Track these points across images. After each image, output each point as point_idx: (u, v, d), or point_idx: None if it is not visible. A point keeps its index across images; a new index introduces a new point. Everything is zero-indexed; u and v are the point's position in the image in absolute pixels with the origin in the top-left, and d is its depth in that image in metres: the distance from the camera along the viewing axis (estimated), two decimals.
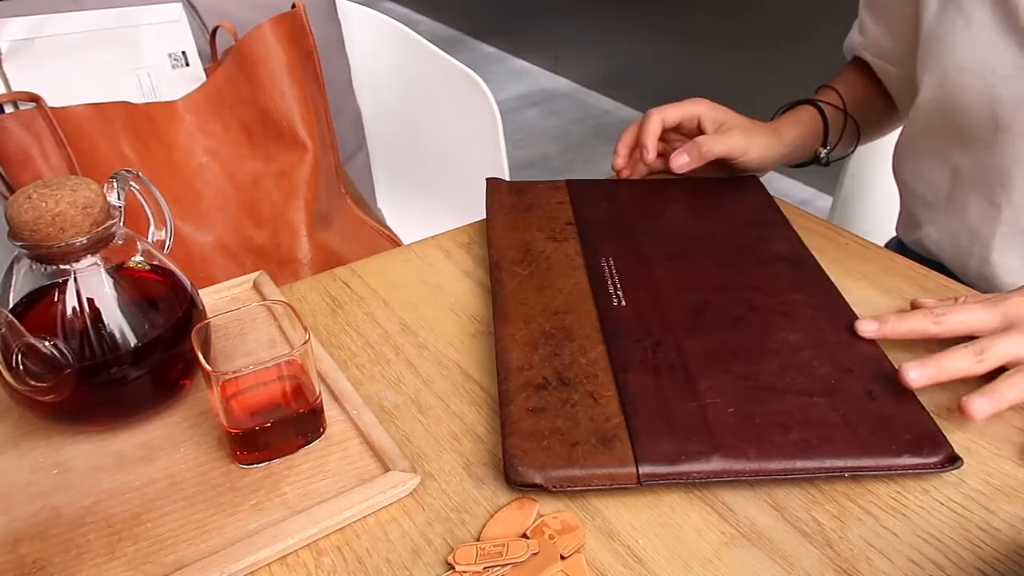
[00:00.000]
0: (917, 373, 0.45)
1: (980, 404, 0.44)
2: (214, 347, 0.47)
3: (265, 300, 0.56)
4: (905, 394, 0.46)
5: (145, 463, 0.44)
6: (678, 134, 0.72)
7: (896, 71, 0.75)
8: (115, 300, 0.44)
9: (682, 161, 0.67)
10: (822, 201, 2.15)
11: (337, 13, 1.05)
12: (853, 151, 0.82)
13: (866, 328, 0.50)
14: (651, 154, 0.68)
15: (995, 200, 0.63)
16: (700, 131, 0.70)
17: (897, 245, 0.80)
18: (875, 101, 0.78)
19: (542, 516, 0.41)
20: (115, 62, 0.81)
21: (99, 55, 0.80)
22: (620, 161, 0.71)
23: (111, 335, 0.43)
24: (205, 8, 0.89)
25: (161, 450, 0.45)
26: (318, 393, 0.45)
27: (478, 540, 0.40)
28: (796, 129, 0.73)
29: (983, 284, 0.66)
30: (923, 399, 0.46)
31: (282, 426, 0.44)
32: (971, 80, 0.61)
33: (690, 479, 0.41)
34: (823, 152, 0.76)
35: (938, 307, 0.49)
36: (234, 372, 0.41)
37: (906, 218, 0.77)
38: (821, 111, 0.74)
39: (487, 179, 0.69)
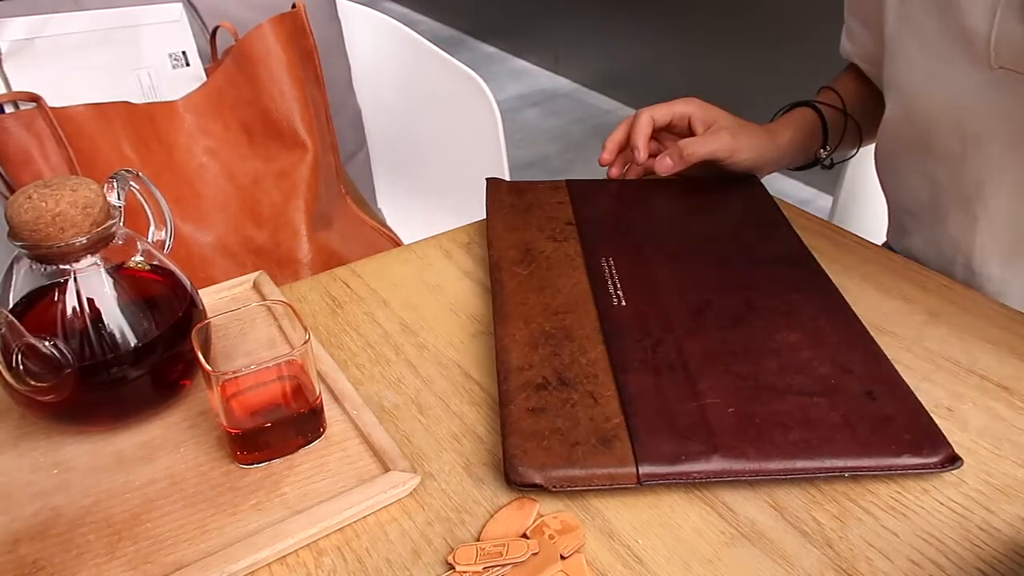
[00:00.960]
0: None
1: None
2: (214, 347, 0.47)
3: (265, 300, 0.56)
4: (905, 394, 0.46)
5: (145, 463, 0.44)
6: (670, 133, 0.72)
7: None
8: (115, 300, 0.44)
9: (666, 164, 0.67)
10: (822, 201, 2.15)
11: (337, 13, 1.05)
12: (856, 152, 0.81)
13: None
14: (642, 154, 0.67)
15: (972, 210, 0.63)
16: (691, 131, 0.69)
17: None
18: (873, 101, 0.78)
19: (542, 516, 0.41)
20: (115, 62, 0.81)
21: (99, 55, 0.80)
22: (607, 156, 0.70)
23: (111, 335, 0.43)
24: (205, 8, 0.89)
25: (161, 450, 0.45)
26: (318, 393, 0.45)
27: (478, 540, 0.39)
28: (792, 131, 0.72)
29: None
30: (923, 399, 0.46)
31: (282, 426, 0.44)
32: (932, 95, 0.61)
33: (690, 479, 0.41)
34: (823, 154, 0.75)
35: None
36: (234, 372, 0.41)
37: (894, 226, 0.76)
38: (819, 112, 0.74)
39: (487, 179, 0.69)
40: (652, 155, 0.69)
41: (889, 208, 0.77)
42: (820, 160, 0.76)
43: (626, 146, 0.70)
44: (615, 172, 0.72)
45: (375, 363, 0.52)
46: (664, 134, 0.72)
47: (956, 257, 0.66)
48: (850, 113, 0.75)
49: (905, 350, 0.52)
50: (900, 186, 0.71)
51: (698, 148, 0.66)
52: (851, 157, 0.83)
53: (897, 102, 0.65)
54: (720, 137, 0.67)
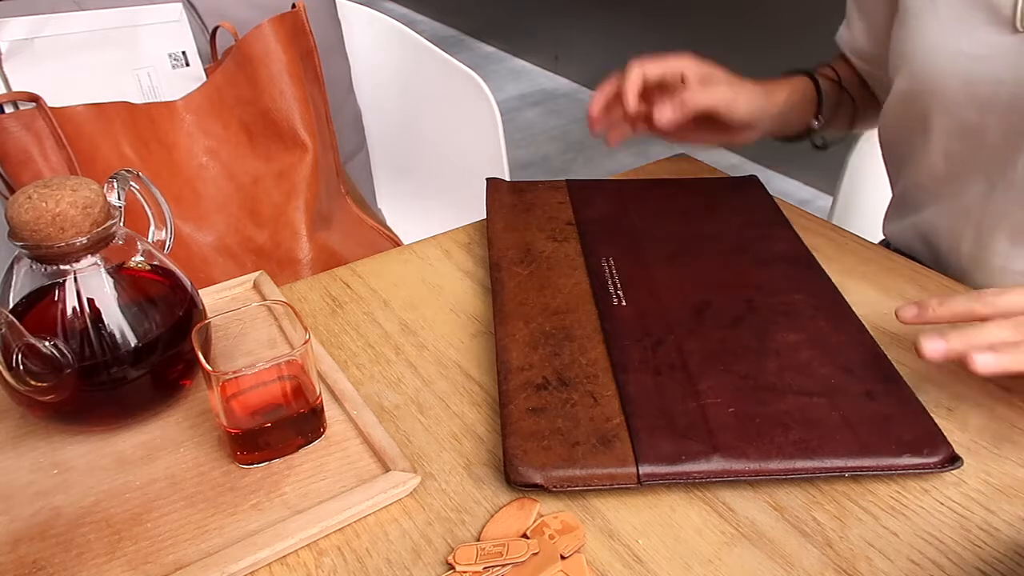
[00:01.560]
0: (935, 345, 0.43)
1: (985, 360, 0.42)
2: (214, 347, 0.47)
3: (265, 300, 0.56)
4: (905, 394, 0.46)
5: (145, 463, 0.44)
6: (664, 93, 0.70)
7: (871, 70, 0.75)
8: (115, 300, 0.44)
9: (665, 114, 0.64)
10: (822, 201, 2.15)
11: (337, 13, 1.05)
12: (846, 136, 0.80)
13: (906, 314, 0.48)
14: (631, 102, 0.64)
15: (989, 179, 0.62)
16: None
17: (885, 246, 0.79)
18: (867, 87, 0.78)
19: (542, 516, 0.41)
20: (115, 62, 0.81)
21: (99, 55, 0.80)
22: (595, 108, 0.67)
23: (111, 335, 0.43)
24: (205, 8, 0.89)
25: (161, 450, 0.45)
26: (318, 393, 0.45)
27: (478, 540, 0.39)
28: (788, 91, 0.71)
29: (975, 266, 0.65)
30: (923, 399, 0.46)
31: (282, 426, 0.44)
32: (944, 63, 0.61)
33: (690, 479, 0.41)
34: (816, 124, 0.74)
35: (981, 292, 0.47)
36: (234, 372, 0.41)
37: (899, 204, 0.76)
38: (814, 79, 0.73)
39: (487, 179, 0.69)
40: (646, 117, 0.67)
41: (895, 186, 0.76)
42: (813, 131, 0.75)
43: (616, 104, 0.67)
44: (601, 127, 0.69)
45: (375, 363, 0.52)
46: (656, 94, 0.70)
47: (966, 229, 0.65)
48: (845, 87, 0.75)
49: (905, 350, 0.52)
50: (913, 164, 0.70)
51: (698, 97, 0.64)
52: (841, 140, 0.82)
53: (905, 76, 0.65)
54: (719, 88, 0.65)
